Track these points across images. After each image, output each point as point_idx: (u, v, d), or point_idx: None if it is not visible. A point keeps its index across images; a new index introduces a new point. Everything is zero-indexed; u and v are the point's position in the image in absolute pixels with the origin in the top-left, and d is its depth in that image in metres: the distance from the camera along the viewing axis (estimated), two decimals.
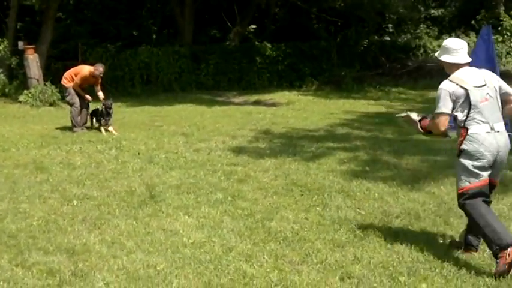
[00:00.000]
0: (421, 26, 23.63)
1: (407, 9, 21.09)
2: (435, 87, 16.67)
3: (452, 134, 5.04)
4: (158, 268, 4.85)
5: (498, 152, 4.71)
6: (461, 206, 4.83)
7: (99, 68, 11.65)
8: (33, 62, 16.78)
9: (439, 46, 19.38)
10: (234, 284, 4.55)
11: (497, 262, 4.50)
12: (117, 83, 18.66)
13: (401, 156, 9.07)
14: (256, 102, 17.17)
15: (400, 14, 21.28)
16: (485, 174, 4.72)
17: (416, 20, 22.72)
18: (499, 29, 21.99)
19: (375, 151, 9.54)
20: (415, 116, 5.21)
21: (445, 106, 4.74)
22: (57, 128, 12.11)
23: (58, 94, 15.96)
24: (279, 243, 5.41)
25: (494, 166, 4.76)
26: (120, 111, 14.64)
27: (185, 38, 21.07)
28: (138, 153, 9.42)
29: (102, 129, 11.55)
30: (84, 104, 11.78)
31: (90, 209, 6.44)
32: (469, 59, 4.90)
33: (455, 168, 4.90)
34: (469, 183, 4.71)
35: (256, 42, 21.15)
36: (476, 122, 4.67)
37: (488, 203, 4.81)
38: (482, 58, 11.27)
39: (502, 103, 4.81)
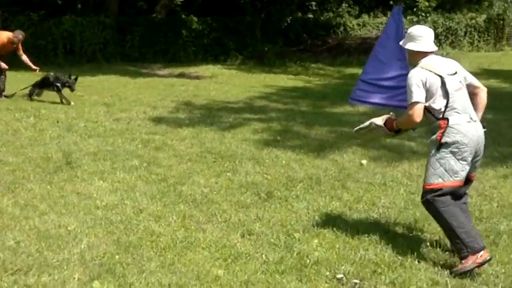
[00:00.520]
0: (343, 4, 24.19)
1: None
2: (352, 64, 17.46)
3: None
4: (69, 228, 5.02)
5: (479, 143, 4.38)
6: (428, 202, 4.42)
7: (19, 36, 11.41)
8: None
9: (358, 24, 20.07)
10: (141, 241, 4.79)
11: (462, 262, 4.26)
12: (40, 52, 18.20)
13: (312, 127, 9.50)
14: (181, 75, 17.25)
15: None
16: (464, 173, 4.35)
17: None
18: (415, 10, 22.87)
19: (288, 122, 9.94)
20: (379, 121, 4.73)
21: (418, 95, 4.28)
22: None
23: None
24: (188, 205, 5.69)
25: (473, 159, 4.42)
26: None
27: (111, 8, 20.77)
28: (57, 122, 9.43)
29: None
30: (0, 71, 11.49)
31: (5, 174, 6.49)
32: (435, 48, 4.57)
33: (428, 160, 4.42)
34: (443, 181, 4.32)
35: (183, 16, 21.12)
36: (456, 112, 4.28)
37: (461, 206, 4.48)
38: (392, 37, 11.89)
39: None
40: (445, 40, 23.65)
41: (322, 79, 16.77)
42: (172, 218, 5.31)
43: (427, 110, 4.34)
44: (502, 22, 26.35)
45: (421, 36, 4.51)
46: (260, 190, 6.14)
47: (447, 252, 4.64)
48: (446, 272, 4.29)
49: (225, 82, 15.75)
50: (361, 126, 4.86)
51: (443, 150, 4.30)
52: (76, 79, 11.48)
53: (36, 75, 11.93)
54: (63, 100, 11.26)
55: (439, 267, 4.36)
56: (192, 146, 8.02)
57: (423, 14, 22.99)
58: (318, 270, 4.32)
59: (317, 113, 10.99)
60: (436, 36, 22.54)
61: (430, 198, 4.37)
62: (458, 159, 4.29)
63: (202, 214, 5.44)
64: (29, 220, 5.16)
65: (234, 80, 16.16)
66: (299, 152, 7.77)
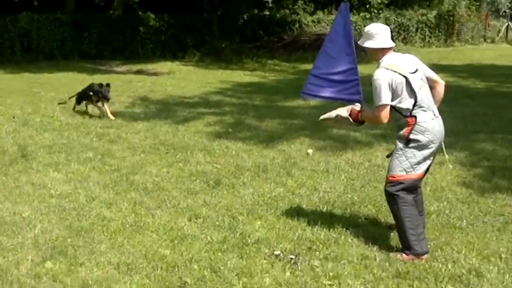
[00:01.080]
0: (299, 1, 24.59)
1: None
2: (307, 59, 17.86)
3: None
4: (24, 215, 5.24)
5: (442, 137, 4.56)
6: (391, 195, 4.54)
7: None
8: None
9: (313, 21, 20.52)
10: (93, 226, 5.03)
11: (402, 253, 4.49)
12: None
13: (263, 120, 9.83)
14: (139, 72, 17.38)
15: None
16: (426, 166, 4.54)
17: None
18: (367, 6, 23.44)
19: (240, 115, 10.24)
20: (344, 112, 4.79)
21: (386, 97, 4.38)
22: None
23: None
24: (139, 192, 5.95)
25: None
26: None
27: (68, 5, 20.71)
28: (13, 117, 9.54)
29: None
30: None
31: None
32: (393, 44, 4.63)
33: (395, 152, 4.54)
34: (406, 174, 4.47)
35: (140, 12, 21.18)
36: (422, 110, 4.42)
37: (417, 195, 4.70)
38: (341, 33, 12.32)
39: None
40: (398, 36, 24.29)
41: (277, 75, 17.12)
42: (124, 205, 5.57)
43: (395, 109, 4.44)
44: (452, 18, 27.16)
45: (377, 33, 4.57)
46: (209, 178, 6.43)
47: (380, 230, 5.02)
48: (376, 247, 4.66)
49: (182, 78, 15.96)
50: (326, 116, 4.90)
51: (410, 145, 4.44)
52: (108, 85, 9.98)
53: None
54: (104, 113, 9.83)
55: (370, 244, 4.72)
56: (146, 139, 8.26)
57: (376, 11, 23.58)
58: (258, 248, 4.64)
59: (269, 106, 11.32)
60: None
61: (395, 192, 4.48)
62: (423, 154, 4.45)
63: (152, 201, 5.71)
64: None
65: (191, 76, 16.38)
66: (249, 143, 8.09)
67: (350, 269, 4.27)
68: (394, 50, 4.63)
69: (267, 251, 4.59)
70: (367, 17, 22.96)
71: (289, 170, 6.82)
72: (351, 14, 12.31)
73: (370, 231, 5.02)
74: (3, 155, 7.19)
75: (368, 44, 4.59)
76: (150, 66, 18.40)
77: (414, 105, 4.40)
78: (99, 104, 9.86)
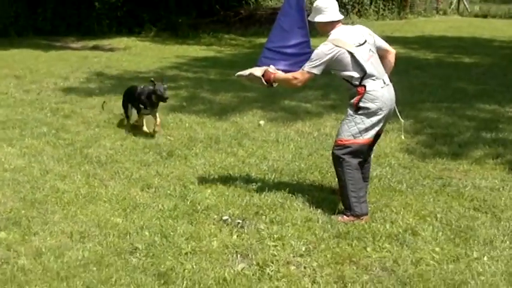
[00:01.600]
0: None
1: None
2: (264, 34, 17.83)
3: None
4: None
5: (392, 105, 4.72)
6: (337, 157, 4.72)
7: None
8: None
9: None
10: (47, 198, 5.11)
11: (343, 215, 4.72)
12: None
13: (217, 93, 9.93)
14: (94, 48, 17.15)
15: None
16: (374, 132, 4.69)
17: None
18: None
19: (195, 89, 10.32)
20: (258, 72, 5.01)
21: (317, 68, 4.64)
22: None
23: None
24: (93, 165, 6.03)
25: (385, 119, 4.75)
26: None
27: None
28: None
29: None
30: None
31: None
32: (341, 16, 4.78)
33: (345, 118, 4.72)
34: (353, 138, 4.64)
35: None
36: (372, 79, 4.56)
37: (364, 161, 4.86)
38: (294, 6, 12.42)
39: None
40: (352, 9, 24.49)
41: (234, 49, 17.15)
42: (77, 177, 5.65)
43: (344, 79, 4.63)
44: None
45: (326, 7, 4.74)
46: (162, 150, 6.55)
47: (324, 195, 5.24)
48: (319, 210, 4.87)
49: (138, 54, 15.85)
50: (242, 73, 5.10)
51: (360, 112, 4.60)
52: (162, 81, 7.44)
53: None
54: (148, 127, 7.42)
55: (314, 208, 4.94)
56: (100, 114, 8.29)
57: None
58: (207, 214, 4.81)
59: (224, 80, 11.40)
60: (344, 5, 23.39)
61: (342, 156, 4.66)
62: (372, 121, 4.61)
63: (106, 172, 5.81)
64: None
65: (148, 52, 16.27)
66: (202, 115, 8.21)
67: (294, 231, 4.48)
68: (347, 23, 4.81)
69: (215, 216, 4.76)
70: None
71: (241, 140, 6.98)
72: None
73: (315, 196, 5.23)
74: None
75: (318, 19, 4.79)
76: (106, 42, 18.17)
77: (363, 76, 4.55)
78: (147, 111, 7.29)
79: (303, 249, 4.22)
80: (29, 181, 5.52)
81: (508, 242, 4.25)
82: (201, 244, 4.27)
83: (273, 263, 4.01)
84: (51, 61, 13.91)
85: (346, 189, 4.71)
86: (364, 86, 4.58)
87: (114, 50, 16.61)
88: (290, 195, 5.20)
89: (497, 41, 17.77)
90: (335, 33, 4.69)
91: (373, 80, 4.58)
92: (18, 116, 8.02)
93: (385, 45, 4.87)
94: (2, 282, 3.73)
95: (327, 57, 4.60)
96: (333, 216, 4.75)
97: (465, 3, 29.14)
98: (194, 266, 3.95)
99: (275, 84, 5.08)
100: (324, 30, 4.81)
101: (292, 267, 3.97)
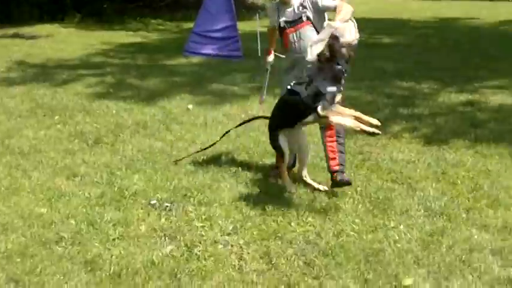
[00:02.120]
0: None
1: None
2: (191, 18, 17.52)
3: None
4: None
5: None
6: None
7: None
8: None
9: None
10: None
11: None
12: None
13: (145, 79, 9.82)
14: (15, 35, 16.50)
15: None
16: None
17: None
18: None
19: (122, 75, 10.16)
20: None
21: None
22: None
23: None
24: (15, 156, 5.85)
25: None
26: None
27: None
28: None
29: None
30: None
31: None
32: None
33: None
34: None
35: None
36: None
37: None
38: None
39: None
40: None
41: (161, 34, 16.94)
42: None
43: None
44: None
45: None
46: (88, 138, 6.43)
47: (251, 175, 5.31)
48: (247, 190, 4.94)
49: (61, 41, 15.38)
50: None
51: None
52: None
53: None
54: None
55: (241, 187, 5.00)
56: (22, 103, 8.03)
57: None
58: (135, 199, 4.77)
59: (152, 65, 11.28)
60: None
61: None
62: None
63: (29, 163, 5.65)
64: None
65: (72, 39, 15.82)
66: (130, 101, 8.10)
67: (221, 211, 4.52)
68: None
69: (143, 201, 4.74)
70: None
71: (169, 125, 6.95)
72: None
73: (242, 176, 5.29)
74: None
75: None
76: (27, 30, 17.51)
77: None
78: None
79: (230, 228, 4.27)
80: None
81: (422, 210, 4.46)
82: (129, 229, 4.25)
83: (200, 243, 4.05)
84: None
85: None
86: None
87: (36, 38, 16.04)
88: (218, 176, 5.24)
89: (415, 22, 18.36)
90: None
91: None
92: None
93: None
94: None
95: None
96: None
97: None
98: (122, 252, 3.93)
99: None
100: None
101: (220, 246, 4.02)
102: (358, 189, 4.94)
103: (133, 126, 6.89)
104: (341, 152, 5.05)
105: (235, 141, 6.37)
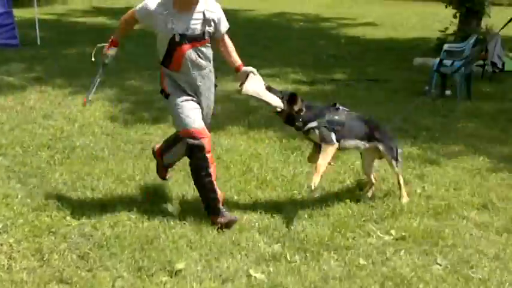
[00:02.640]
0: None
1: None
2: None
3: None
4: None
5: None
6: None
7: None
8: None
9: None
10: None
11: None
12: None
13: None
14: None
15: None
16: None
17: None
18: None
19: None
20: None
21: None
22: None
23: None
24: None
25: None
26: None
27: None
28: None
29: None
30: None
31: None
32: None
33: None
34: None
35: None
36: None
37: None
38: None
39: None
40: None
41: None
42: None
43: None
44: None
45: None
46: None
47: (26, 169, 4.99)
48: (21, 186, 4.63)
49: None
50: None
51: None
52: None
53: None
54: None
55: (13, 182, 4.68)
56: None
57: None
58: None
59: None
60: None
61: None
62: None
63: None
64: None
65: None
66: None
67: None
68: None
69: None
70: None
71: None
72: None
73: (15, 171, 4.96)
74: None
75: None
76: None
77: None
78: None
79: (0, 226, 3.98)
80: None
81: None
82: None
83: None
84: None
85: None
86: None
87: None
88: None
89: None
90: None
91: None
92: None
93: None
94: None
95: None
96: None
97: None
98: None
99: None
100: None
101: None
102: (137, 178, 4.93)
103: None
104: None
105: (9, 134, 5.94)
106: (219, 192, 4.16)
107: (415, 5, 23.13)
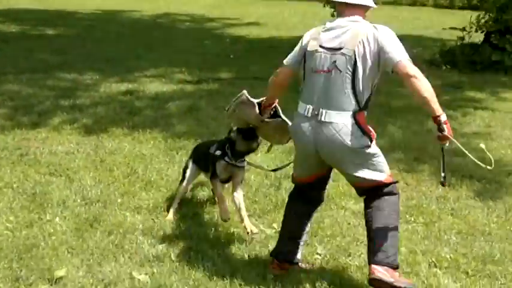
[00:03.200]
0: None
1: None
2: None
3: None
4: None
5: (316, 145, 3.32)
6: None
7: None
8: None
9: None
10: None
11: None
12: None
13: None
14: None
15: None
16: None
17: None
18: None
19: None
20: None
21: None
22: None
23: None
24: None
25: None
26: None
27: None
28: None
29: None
30: None
31: None
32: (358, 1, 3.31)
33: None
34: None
35: None
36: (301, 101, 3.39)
37: None
38: None
39: None
40: None
41: None
42: None
43: None
44: None
45: None
46: None
47: None
48: None
49: None
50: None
51: None
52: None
53: None
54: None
55: None
56: None
57: None
58: None
59: None
60: None
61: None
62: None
63: None
64: None
65: None
66: None
67: None
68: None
69: None
70: None
71: None
72: None
73: None
74: None
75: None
76: None
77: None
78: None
79: None
80: None
81: (79, 200, 4.44)
82: None
83: None
84: None
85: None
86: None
87: None
88: None
89: (80, 14, 18.13)
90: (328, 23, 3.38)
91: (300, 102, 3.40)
92: None
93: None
94: None
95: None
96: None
97: None
98: None
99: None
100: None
101: None
102: (15, 186, 4.69)
103: None
104: None
105: None
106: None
107: (297, 4, 23.79)
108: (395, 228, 3.33)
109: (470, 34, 11.21)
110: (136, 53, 11.58)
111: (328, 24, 3.33)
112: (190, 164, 4.38)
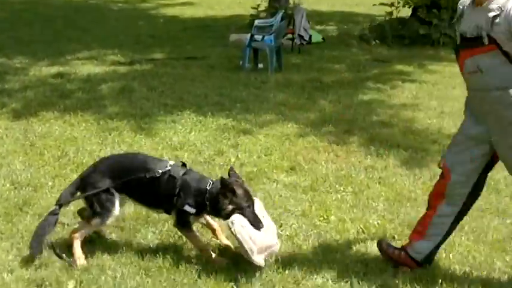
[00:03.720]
0: None
1: None
2: None
3: None
4: None
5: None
6: None
7: None
8: None
9: None
10: None
11: None
12: None
13: None
14: None
15: None
16: None
17: None
18: None
19: None
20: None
21: None
22: None
23: None
24: None
25: None
26: None
27: None
28: None
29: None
30: None
31: None
32: None
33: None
34: None
35: None
36: None
37: None
38: None
39: None
40: None
41: None
42: None
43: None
44: None
45: None
46: None
47: None
48: None
49: None
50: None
51: None
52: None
53: None
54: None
55: None
56: None
57: None
58: None
59: None
60: None
61: None
62: None
63: None
64: None
65: None
66: None
67: None
68: None
69: None
70: None
71: None
72: None
73: None
74: None
75: None
76: None
77: None
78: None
79: None
80: None
81: (8, 184, 4.32)
82: None
83: None
84: None
85: None
86: None
87: None
88: None
89: None
90: None
91: None
92: None
93: None
94: None
95: None
96: None
97: None
98: None
99: None
100: None
101: None
102: None
103: None
104: None
105: None
106: None
107: None
108: None
109: (398, 9, 11.49)
110: (68, 35, 11.26)
111: None
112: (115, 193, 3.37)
